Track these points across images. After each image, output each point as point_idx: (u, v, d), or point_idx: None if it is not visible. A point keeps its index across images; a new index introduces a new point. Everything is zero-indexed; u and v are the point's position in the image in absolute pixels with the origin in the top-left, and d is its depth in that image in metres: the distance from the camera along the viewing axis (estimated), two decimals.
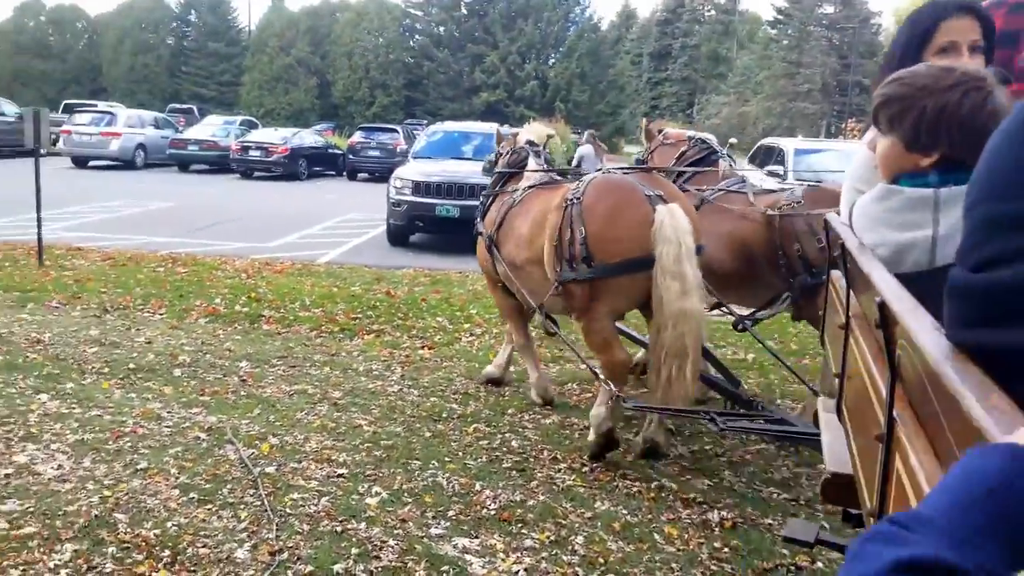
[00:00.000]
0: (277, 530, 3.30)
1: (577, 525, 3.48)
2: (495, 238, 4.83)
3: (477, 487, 3.78)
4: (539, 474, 3.97)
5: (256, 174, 21.90)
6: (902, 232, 1.66)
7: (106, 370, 5.22)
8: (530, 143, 5.21)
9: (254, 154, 21.57)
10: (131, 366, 5.31)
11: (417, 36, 54.70)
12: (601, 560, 3.21)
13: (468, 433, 4.46)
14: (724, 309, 4.81)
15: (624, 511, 3.63)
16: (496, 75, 49.16)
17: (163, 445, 4.10)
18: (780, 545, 3.36)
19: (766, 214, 4.36)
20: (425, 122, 30.60)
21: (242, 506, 3.50)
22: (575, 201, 4.05)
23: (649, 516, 3.59)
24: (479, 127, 14.29)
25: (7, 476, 3.67)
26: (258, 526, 3.33)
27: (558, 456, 4.19)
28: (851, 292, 1.97)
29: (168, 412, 4.56)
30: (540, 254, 4.30)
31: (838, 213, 2.25)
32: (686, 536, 3.43)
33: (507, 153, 5.34)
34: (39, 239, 8.46)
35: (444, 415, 4.72)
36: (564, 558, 3.21)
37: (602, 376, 4.09)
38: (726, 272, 4.52)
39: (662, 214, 3.84)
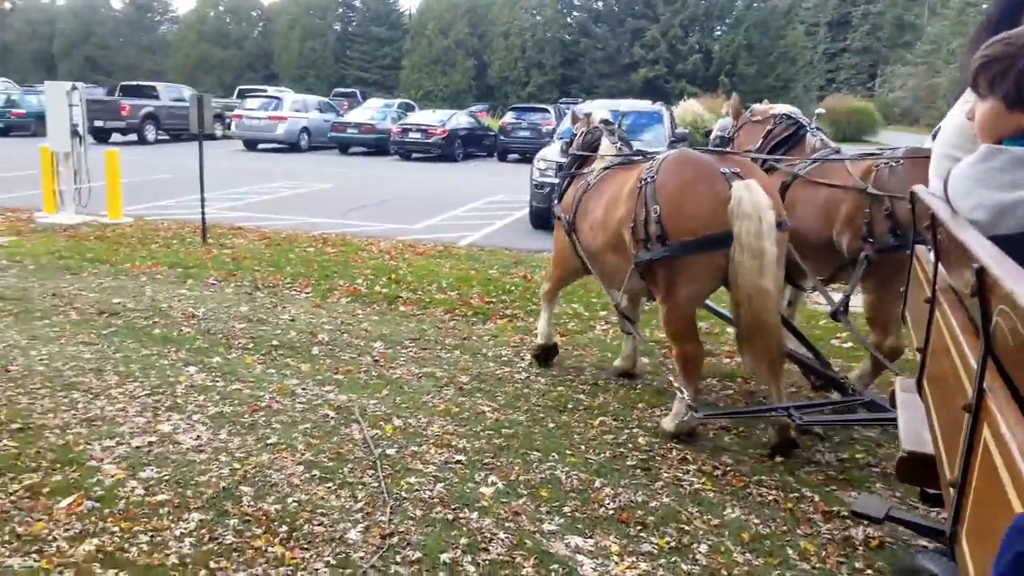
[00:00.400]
0: (391, 513, 3.28)
1: (701, 532, 3.24)
2: (573, 222, 4.73)
3: (597, 484, 3.61)
4: (665, 474, 3.75)
5: (414, 156, 22.52)
6: (1006, 192, 1.61)
7: (251, 346, 5.45)
8: (605, 122, 5.04)
9: (414, 136, 22.24)
10: (274, 343, 5.52)
11: (575, 12, 54.22)
12: (724, 572, 2.97)
13: (593, 426, 4.29)
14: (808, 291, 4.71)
15: (756, 520, 3.35)
16: (656, 50, 47.72)
17: (294, 421, 4.21)
18: None
19: (859, 176, 4.28)
20: (579, 100, 30.26)
21: (360, 487, 3.52)
22: (649, 180, 3.97)
23: (784, 528, 3.30)
24: (633, 104, 13.65)
25: (150, 444, 3.88)
26: (373, 508, 3.33)
27: (688, 456, 3.95)
28: (939, 266, 1.95)
29: (303, 389, 4.69)
30: (614, 238, 4.24)
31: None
32: (823, 553, 3.11)
33: (581, 134, 5.24)
34: (203, 219, 9.05)
35: (570, 405, 4.57)
36: (683, 567, 2.99)
37: (677, 368, 4.12)
38: (822, 242, 4.41)
39: (739, 190, 3.72)
